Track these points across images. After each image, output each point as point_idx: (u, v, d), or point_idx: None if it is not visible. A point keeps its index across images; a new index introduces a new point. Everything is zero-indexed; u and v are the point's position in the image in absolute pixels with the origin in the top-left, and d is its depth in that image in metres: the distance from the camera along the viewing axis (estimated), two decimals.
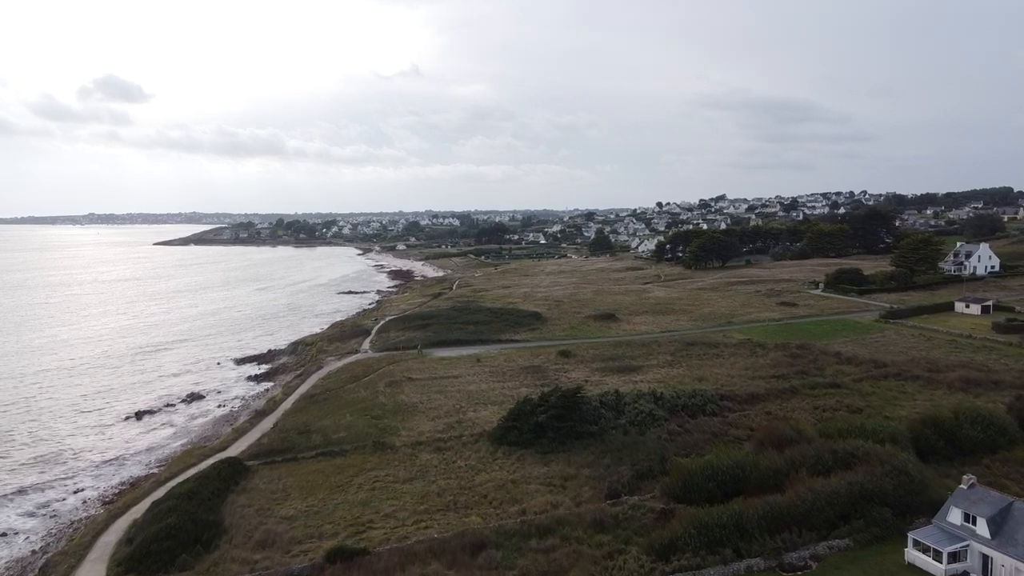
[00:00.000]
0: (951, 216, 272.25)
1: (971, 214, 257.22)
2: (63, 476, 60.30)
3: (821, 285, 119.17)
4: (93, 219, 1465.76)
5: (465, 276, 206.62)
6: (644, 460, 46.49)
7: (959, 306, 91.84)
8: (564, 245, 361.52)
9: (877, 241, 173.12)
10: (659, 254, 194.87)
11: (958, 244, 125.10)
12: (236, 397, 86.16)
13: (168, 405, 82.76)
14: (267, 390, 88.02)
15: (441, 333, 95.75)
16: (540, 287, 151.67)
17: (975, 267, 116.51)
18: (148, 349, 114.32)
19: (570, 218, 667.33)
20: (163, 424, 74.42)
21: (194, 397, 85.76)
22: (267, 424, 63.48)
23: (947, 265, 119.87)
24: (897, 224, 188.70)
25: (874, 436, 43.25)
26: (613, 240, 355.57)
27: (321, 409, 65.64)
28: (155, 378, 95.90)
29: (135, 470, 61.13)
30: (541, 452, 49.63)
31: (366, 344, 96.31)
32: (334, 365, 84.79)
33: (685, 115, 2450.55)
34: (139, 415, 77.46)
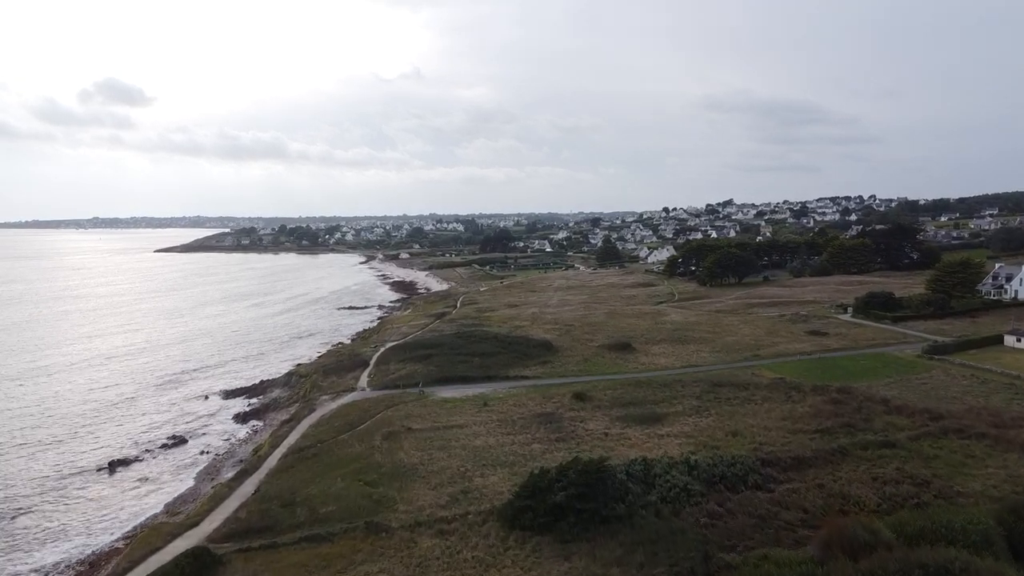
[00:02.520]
0: (972, 226, 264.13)
1: (992, 224, 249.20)
2: (18, 548, 53.47)
3: (850, 309, 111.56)
4: (97, 223, 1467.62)
5: (470, 291, 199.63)
6: (684, 556, 39.23)
7: (1009, 340, 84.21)
8: (571, 254, 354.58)
9: (901, 256, 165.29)
10: (671, 268, 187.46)
11: (996, 266, 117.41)
12: (221, 440, 79.37)
13: (147, 451, 75.93)
14: (256, 431, 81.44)
15: (444, 368, 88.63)
16: (549, 306, 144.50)
17: (1016, 291, 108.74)
18: (134, 378, 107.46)
19: (575, 223, 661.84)
20: (137, 479, 67.33)
21: (175, 441, 78.91)
22: (248, 487, 56.39)
23: (985, 287, 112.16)
24: (920, 238, 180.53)
25: (964, 538, 35.99)
26: (621, 248, 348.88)
27: (310, 469, 58.51)
28: (137, 415, 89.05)
29: (100, 541, 54.19)
30: (561, 541, 42.35)
31: (363, 379, 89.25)
32: (328, 407, 77.71)
33: (689, 117, 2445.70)
34: (112, 466, 70.51)
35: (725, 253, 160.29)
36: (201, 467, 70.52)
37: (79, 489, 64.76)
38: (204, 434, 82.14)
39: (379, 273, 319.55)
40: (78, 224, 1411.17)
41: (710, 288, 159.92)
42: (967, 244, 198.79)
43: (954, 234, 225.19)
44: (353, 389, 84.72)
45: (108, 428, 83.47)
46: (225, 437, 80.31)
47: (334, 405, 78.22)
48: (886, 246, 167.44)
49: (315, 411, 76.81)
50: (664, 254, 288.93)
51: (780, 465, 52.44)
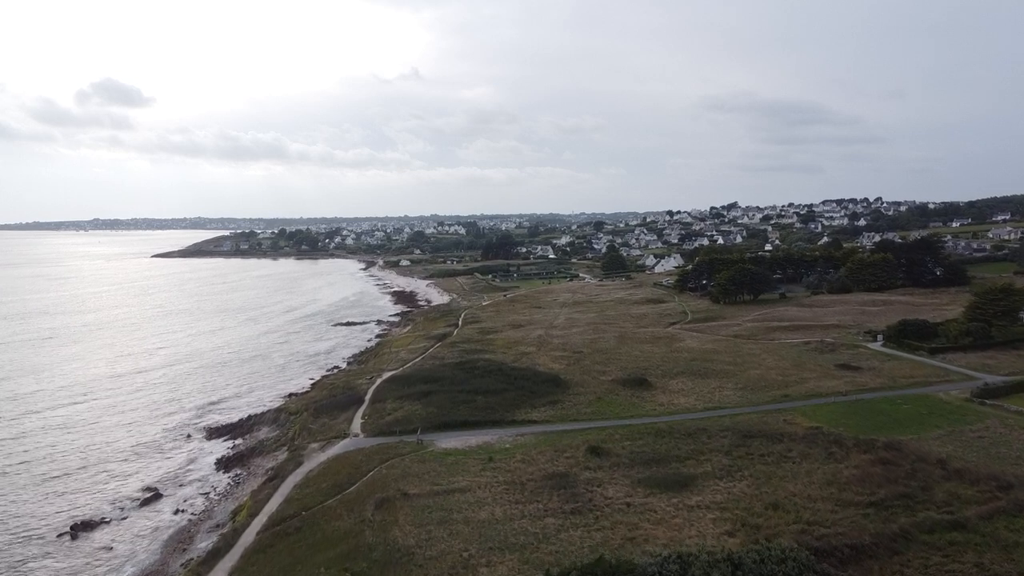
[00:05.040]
0: (991, 236, 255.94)
1: (1012, 233, 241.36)
2: None
3: (880, 337, 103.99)
4: (98, 224, 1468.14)
5: (472, 305, 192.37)
6: None
7: None
8: (574, 260, 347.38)
9: (924, 272, 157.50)
10: (682, 283, 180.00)
11: None
12: (199, 494, 72.35)
13: (118, 508, 68.90)
14: (238, 482, 74.42)
15: (445, 409, 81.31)
16: (555, 327, 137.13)
17: None
18: (114, 414, 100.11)
19: (578, 227, 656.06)
20: (101, 547, 60.18)
21: (150, 495, 71.83)
22: (219, 574, 49.12)
23: None
24: (943, 252, 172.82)
25: None
26: (625, 255, 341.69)
27: (290, 551, 51.17)
28: (113, 461, 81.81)
29: None
30: None
31: (357, 421, 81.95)
32: (316, 460, 70.42)
33: (691, 118, 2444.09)
34: (75, 530, 63.27)
35: (739, 269, 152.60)
36: (174, 530, 63.47)
37: (33, 562, 57.54)
38: (182, 485, 75.17)
39: (379, 282, 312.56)
40: (78, 226, 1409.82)
41: (724, 306, 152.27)
42: (990, 257, 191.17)
43: (975, 245, 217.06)
44: (345, 435, 77.40)
45: (79, 478, 76.30)
46: (204, 490, 73.22)
47: (323, 457, 70.90)
48: (908, 261, 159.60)
49: (302, 464, 69.52)
50: (671, 263, 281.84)
51: (836, 556, 44.94)
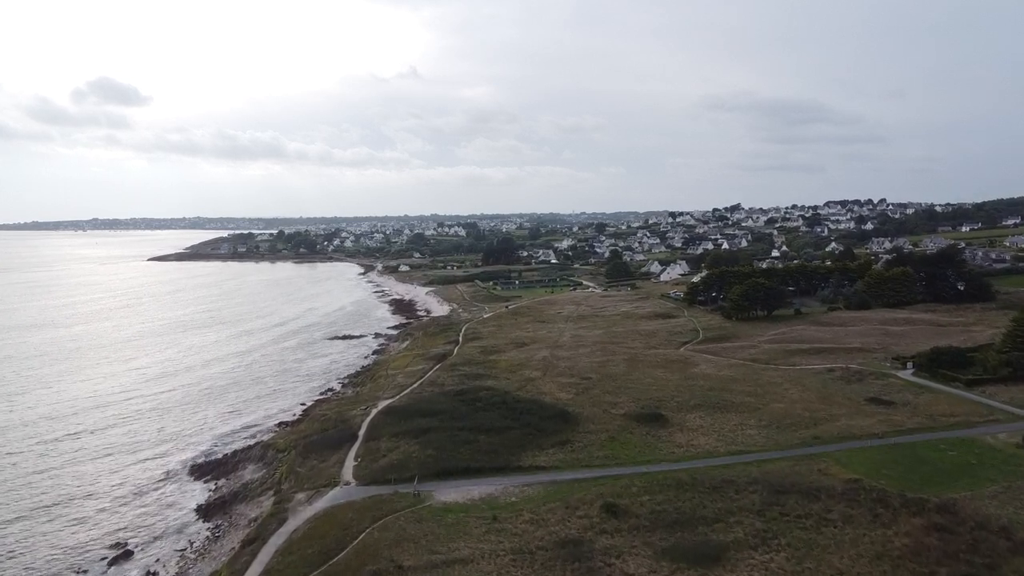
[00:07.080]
0: (1007, 244, 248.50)
1: None
2: None
3: (910, 365, 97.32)
4: (97, 224, 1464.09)
5: (473, 317, 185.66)
6: None
7: None
8: (577, 266, 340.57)
9: (946, 287, 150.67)
10: (692, 296, 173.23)
11: None
12: (174, 549, 66.12)
13: (81, 571, 62.31)
14: (217, 535, 68.52)
15: (444, 451, 74.73)
16: (561, 347, 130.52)
17: None
18: (92, 448, 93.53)
19: (580, 228, 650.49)
20: None
21: (119, 552, 65.47)
22: None
23: None
24: (965, 265, 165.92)
25: None
26: (629, 259, 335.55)
27: None
28: (83, 507, 75.19)
29: None
30: None
31: (348, 464, 75.35)
32: (302, 515, 63.75)
33: (691, 117, 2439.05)
34: None
35: (753, 284, 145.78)
36: None
37: None
38: (156, 538, 68.69)
39: (377, 288, 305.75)
40: (77, 225, 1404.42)
41: (737, 323, 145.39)
42: (1012, 269, 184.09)
43: (993, 255, 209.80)
44: (336, 482, 70.74)
45: (42, 530, 69.82)
46: (180, 545, 66.75)
47: (310, 512, 64.23)
48: (928, 275, 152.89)
49: (286, 522, 62.85)
50: (676, 270, 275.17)
51: None
